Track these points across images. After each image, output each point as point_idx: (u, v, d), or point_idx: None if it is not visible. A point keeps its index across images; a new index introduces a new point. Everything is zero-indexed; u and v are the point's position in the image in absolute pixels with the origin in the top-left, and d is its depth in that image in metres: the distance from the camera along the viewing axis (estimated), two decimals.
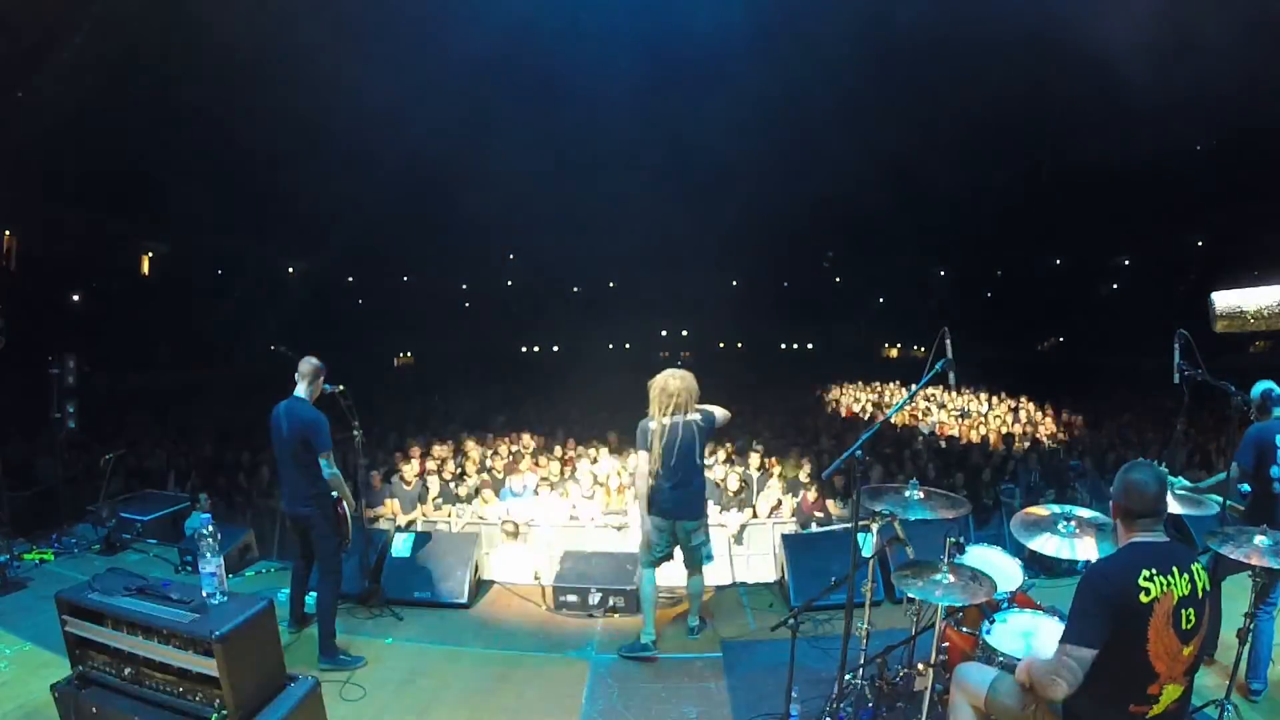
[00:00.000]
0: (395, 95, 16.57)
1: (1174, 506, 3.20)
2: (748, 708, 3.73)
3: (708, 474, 8.12)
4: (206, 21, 12.55)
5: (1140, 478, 2.29)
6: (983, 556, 3.57)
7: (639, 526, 4.69)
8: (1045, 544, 3.07)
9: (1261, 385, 3.95)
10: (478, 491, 8.48)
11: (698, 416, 4.37)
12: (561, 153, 22.33)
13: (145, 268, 23.10)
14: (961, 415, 13.53)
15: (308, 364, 4.34)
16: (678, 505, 4.33)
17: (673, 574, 4.76)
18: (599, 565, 5.32)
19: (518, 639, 4.65)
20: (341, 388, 4.60)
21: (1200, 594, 2.20)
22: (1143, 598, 2.12)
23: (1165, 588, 2.15)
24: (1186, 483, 3.89)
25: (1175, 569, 2.18)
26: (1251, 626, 3.17)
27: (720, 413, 4.49)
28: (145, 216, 20.37)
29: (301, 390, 4.30)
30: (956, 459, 9.80)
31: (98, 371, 11.53)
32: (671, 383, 4.33)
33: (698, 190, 24.61)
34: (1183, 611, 2.16)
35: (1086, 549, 2.99)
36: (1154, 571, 2.15)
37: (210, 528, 2.88)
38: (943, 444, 10.98)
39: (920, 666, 3.34)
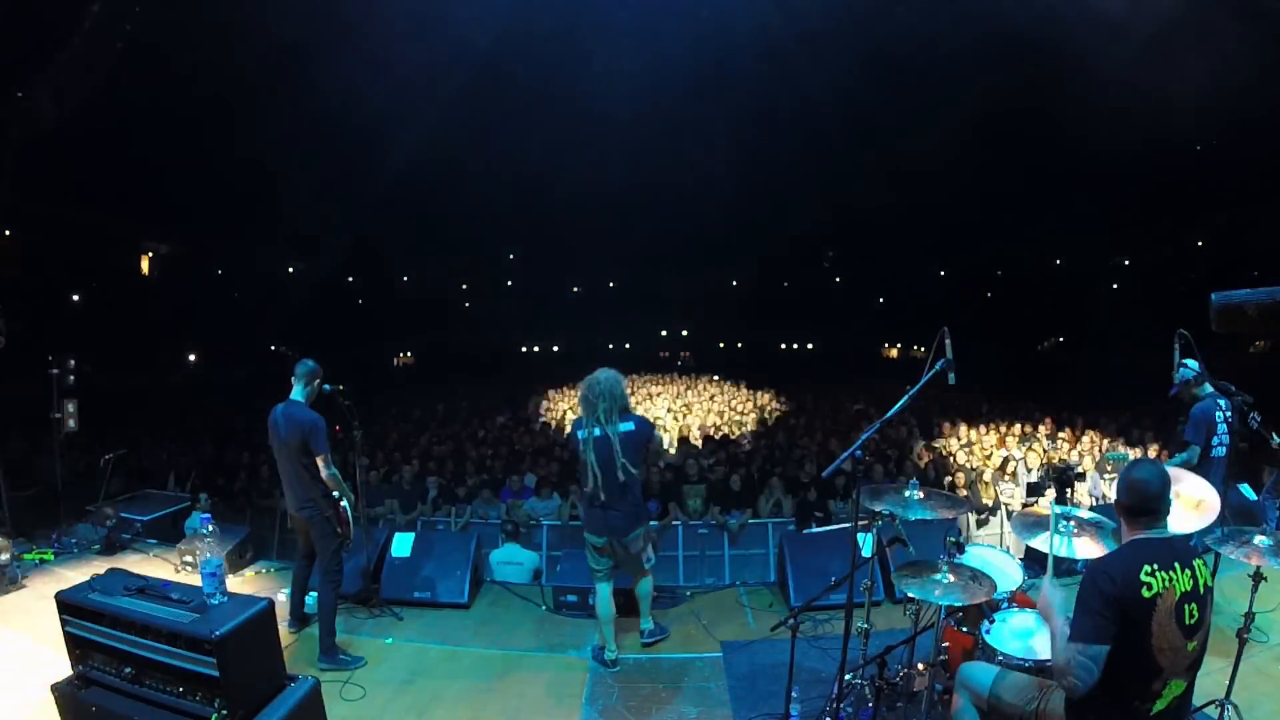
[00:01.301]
0: (395, 94, 16.56)
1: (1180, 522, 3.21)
2: (748, 708, 3.73)
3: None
4: (207, 21, 12.56)
5: (1142, 475, 2.31)
6: (983, 556, 3.58)
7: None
8: (1042, 541, 3.07)
9: (1194, 366, 4.38)
10: (478, 491, 8.49)
11: (631, 426, 4.02)
12: (562, 152, 22.31)
13: (145, 268, 23.09)
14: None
15: (303, 365, 4.34)
16: (613, 524, 4.07)
17: (669, 573, 4.75)
18: None
19: (518, 639, 4.65)
20: (341, 387, 4.60)
21: (1202, 589, 2.23)
22: (1145, 593, 2.14)
23: (1167, 583, 2.16)
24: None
25: (1177, 564, 2.20)
26: (1250, 626, 3.17)
27: (658, 434, 4.15)
28: (145, 216, 20.36)
29: (298, 392, 4.30)
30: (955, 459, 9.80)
31: (98, 371, 11.53)
32: (594, 389, 3.99)
33: (698, 190, 24.59)
34: (1185, 607, 2.18)
35: (1085, 548, 2.99)
36: (1156, 567, 2.17)
37: (210, 528, 2.88)
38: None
39: (920, 666, 3.34)
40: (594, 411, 3.98)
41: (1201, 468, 4.33)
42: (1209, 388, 4.43)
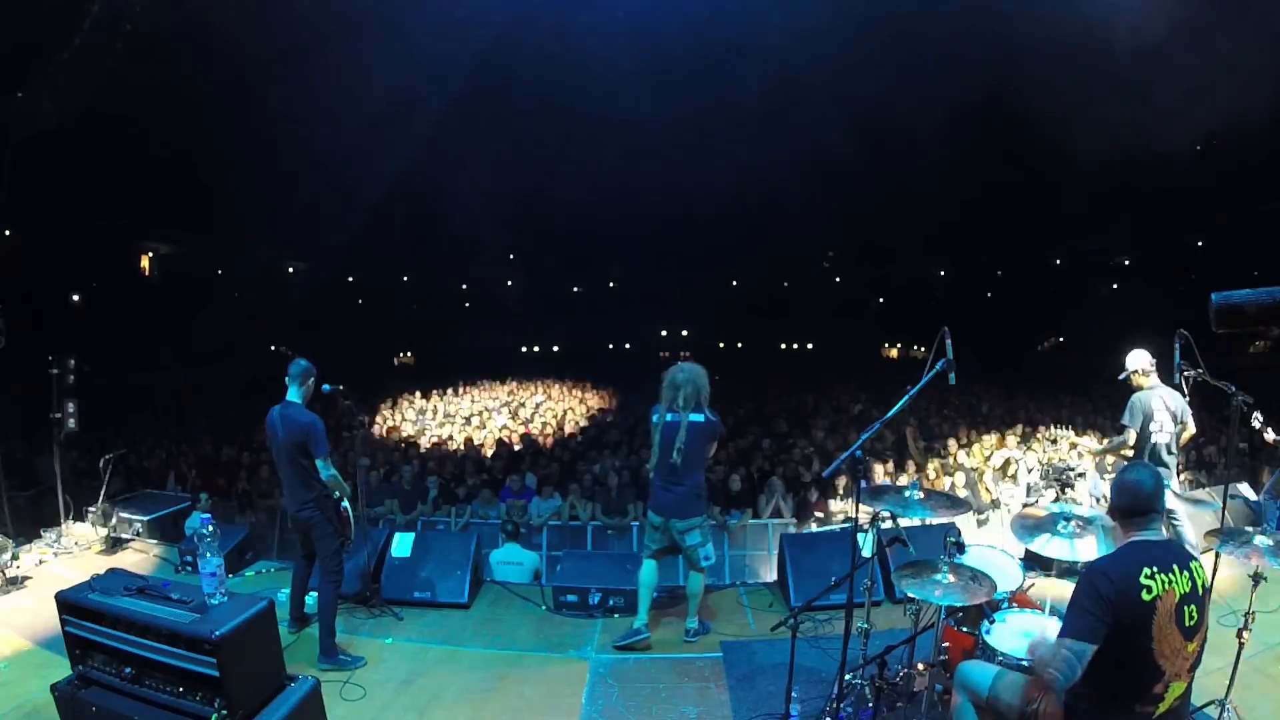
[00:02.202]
0: (396, 95, 16.57)
1: (1179, 516, 3.25)
2: (748, 708, 3.73)
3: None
4: (207, 21, 12.55)
5: (1135, 477, 2.34)
6: (983, 556, 3.58)
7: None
8: (1044, 545, 3.07)
9: (1142, 356, 4.84)
10: (478, 491, 8.49)
11: (700, 417, 4.22)
12: (562, 152, 22.31)
13: (145, 268, 23.10)
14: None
15: (297, 365, 4.32)
16: (668, 505, 4.30)
17: (675, 572, 4.77)
18: (599, 565, 5.32)
19: (518, 639, 4.65)
20: (341, 387, 4.60)
21: (1200, 590, 2.23)
22: (1144, 595, 2.14)
23: (1167, 585, 2.17)
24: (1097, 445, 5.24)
25: (1175, 566, 2.21)
26: (1250, 626, 3.17)
27: (723, 433, 4.40)
28: (145, 216, 20.37)
29: (295, 393, 4.28)
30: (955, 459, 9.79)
31: (98, 371, 11.50)
32: (678, 376, 4.25)
33: (697, 189, 24.59)
34: (1185, 608, 2.18)
35: (1086, 549, 2.99)
36: (1155, 569, 2.18)
37: (210, 528, 2.88)
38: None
39: (920, 666, 3.34)
40: (675, 397, 4.22)
41: (1139, 450, 4.78)
42: (1156, 380, 4.83)
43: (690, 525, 4.31)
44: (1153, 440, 4.77)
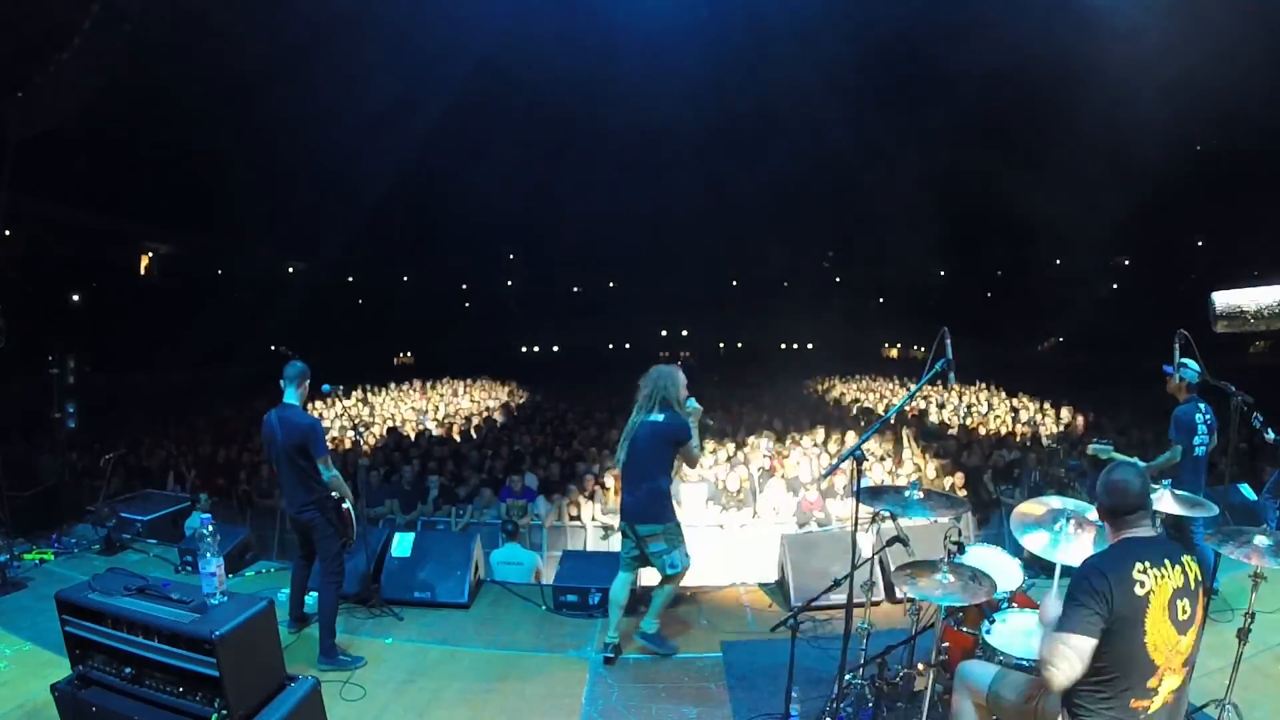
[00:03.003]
0: (396, 95, 16.58)
1: (1173, 507, 3.25)
2: (748, 708, 3.73)
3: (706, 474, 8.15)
4: (208, 21, 12.56)
5: (1121, 476, 2.35)
6: (983, 556, 3.57)
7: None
8: (1039, 541, 3.07)
9: (1192, 369, 4.56)
10: (478, 491, 8.48)
11: (661, 418, 4.10)
12: (562, 153, 22.33)
13: (145, 268, 23.12)
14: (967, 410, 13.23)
15: (293, 368, 4.30)
16: (629, 508, 4.18)
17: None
18: (599, 565, 5.31)
19: (518, 639, 4.65)
20: (341, 387, 4.59)
21: (1193, 585, 2.24)
22: (1138, 590, 2.16)
23: (1159, 579, 2.19)
24: (1141, 463, 4.67)
25: (1167, 561, 2.23)
26: (1250, 626, 3.17)
27: (694, 442, 4.13)
28: (145, 216, 20.40)
29: (291, 395, 4.26)
30: (955, 459, 9.79)
31: (98, 371, 11.52)
32: (646, 380, 4.18)
33: (697, 190, 24.62)
34: (1178, 602, 2.20)
35: (1083, 548, 2.98)
36: (1147, 564, 2.20)
37: (210, 528, 2.88)
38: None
39: (920, 666, 3.34)
40: (642, 399, 4.17)
41: (1184, 466, 4.62)
42: (1194, 391, 4.72)
43: (653, 531, 4.12)
44: (1195, 454, 4.68)
